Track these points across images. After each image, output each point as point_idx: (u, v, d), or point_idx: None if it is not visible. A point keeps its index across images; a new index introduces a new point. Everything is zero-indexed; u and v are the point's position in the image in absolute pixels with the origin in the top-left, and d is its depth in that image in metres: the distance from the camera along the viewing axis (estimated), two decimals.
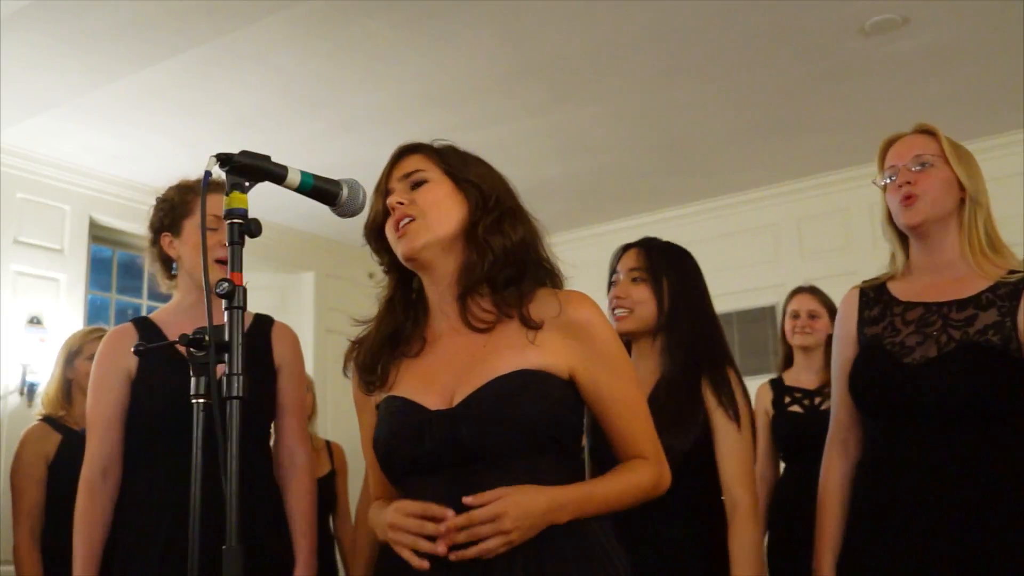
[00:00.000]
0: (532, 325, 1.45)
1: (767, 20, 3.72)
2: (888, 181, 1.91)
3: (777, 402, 3.30)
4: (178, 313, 2.23)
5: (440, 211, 1.50)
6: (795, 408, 3.25)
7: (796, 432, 3.23)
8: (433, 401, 1.45)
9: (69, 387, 3.37)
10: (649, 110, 4.57)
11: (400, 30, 3.73)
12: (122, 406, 2.15)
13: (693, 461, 2.02)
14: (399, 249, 1.51)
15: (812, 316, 3.33)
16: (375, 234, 1.58)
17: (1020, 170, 4.75)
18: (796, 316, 3.37)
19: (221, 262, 2.08)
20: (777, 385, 3.38)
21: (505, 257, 1.49)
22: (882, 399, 1.85)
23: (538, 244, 1.56)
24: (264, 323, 2.31)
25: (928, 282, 1.87)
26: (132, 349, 1.47)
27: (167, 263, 2.26)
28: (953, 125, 4.57)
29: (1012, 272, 1.79)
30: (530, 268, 1.52)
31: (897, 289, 1.91)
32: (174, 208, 2.23)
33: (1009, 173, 4.77)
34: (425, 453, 1.41)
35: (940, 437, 1.75)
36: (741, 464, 2.05)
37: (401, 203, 1.50)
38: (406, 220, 1.49)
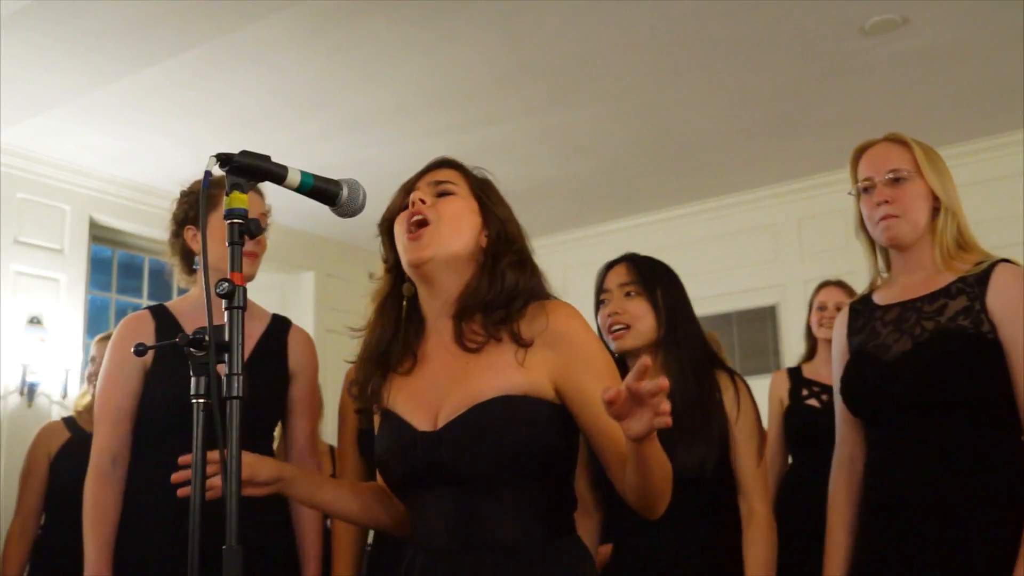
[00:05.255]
0: (523, 343, 1.43)
1: (767, 20, 3.72)
2: (863, 192, 1.95)
3: (794, 393, 3.28)
4: (198, 306, 2.19)
5: (457, 224, 1.50)
6: (812, 402, 3.23)
7: (810, 425, 3.20)
8: (421, 420, 1.46)
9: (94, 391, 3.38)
10: (648, 110, 4.57)
11: (400, 30, 3.73)
12: (135, 397, 2.11)
13: (717, 472, 2.02)
14: (407, 254, 1.50)
15: (840, 308, 3.32)
16: (388, 228, 1.58)
17: (1020, 170, 4.75)
18: (823, 308, 3.35)
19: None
20: (795, 376, 3.36)
21: (512, 293, 1.48)
22: (867, 399, 1.89)
23: (542, 290, 1.55)
24: (281, 325, 2.29)
25: (904, 283, 1.92)
26: (132, 349, 1.46)
27: (188, 257, 2.23)
28: (953, 125, 4.63)
29: (979, 263, 1.84)
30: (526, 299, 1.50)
31: (879, 296, 1.97)
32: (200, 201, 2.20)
33: (1009, 173, 4.78)
34: (412, 472, 1.44)
35: (922, 429, 1.78)
36: (759, 472, 2.04)
37: (423, 200, 1.51)
38: (419, 217, 1.49)
